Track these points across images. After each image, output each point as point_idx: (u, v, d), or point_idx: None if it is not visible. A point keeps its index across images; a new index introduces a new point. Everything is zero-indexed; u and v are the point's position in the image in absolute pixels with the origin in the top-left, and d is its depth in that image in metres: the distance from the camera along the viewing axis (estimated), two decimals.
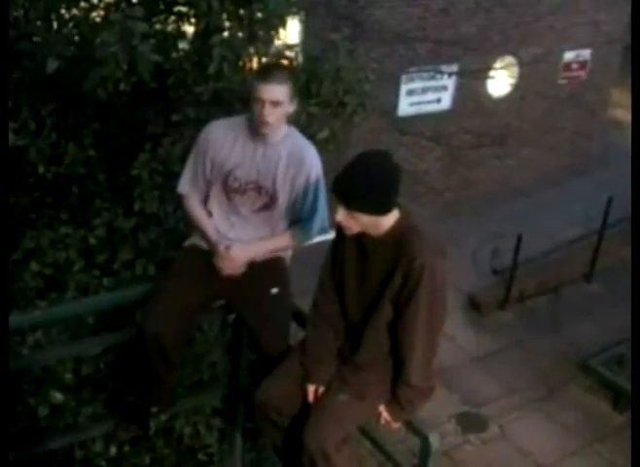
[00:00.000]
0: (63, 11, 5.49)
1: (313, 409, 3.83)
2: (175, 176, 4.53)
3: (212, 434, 5.34)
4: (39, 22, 5.57)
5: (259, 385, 4.00)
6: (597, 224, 12.44)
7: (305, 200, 4.12)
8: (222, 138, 4.11)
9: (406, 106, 13.26)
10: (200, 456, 5.41)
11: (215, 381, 5.31)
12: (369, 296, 3.66)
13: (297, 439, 3.77)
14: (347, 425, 3.80)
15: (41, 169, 5.24)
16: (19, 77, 5.16)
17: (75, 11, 5.50)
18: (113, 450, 5.02)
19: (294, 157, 4.06)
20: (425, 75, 13.15)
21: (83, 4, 5.48)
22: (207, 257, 4.18)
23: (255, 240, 4.18)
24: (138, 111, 5.39)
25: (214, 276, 4.16)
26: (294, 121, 5.28)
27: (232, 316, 4.90)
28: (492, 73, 13.86)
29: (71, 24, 5.49)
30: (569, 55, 15.22)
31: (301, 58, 5.64)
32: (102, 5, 5.46)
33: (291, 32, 8.19)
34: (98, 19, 5.40)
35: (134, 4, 5.26)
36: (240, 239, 4.17)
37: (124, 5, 5.31)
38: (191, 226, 4.43)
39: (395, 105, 13.06)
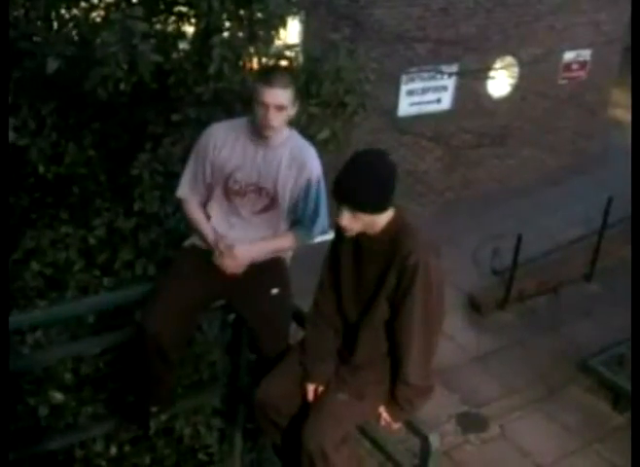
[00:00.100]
0: (63, 11, 5.49)
1: (312, 408, 3.83)
2: (175, 176, 4.53)
3: (212, 434, 5.34)
4: (39, 22, 5.57)
5: (258, 385, 4.01)
6: (597, 224, 12.44)
7: (307, 202, 4.12)
8: (222, 140, 4.11)
9: (406, 106, 13.26)
10: (201, 456, 5.41)
11: (215, 381, 5.31)
12: (365, 295, 3.67)
13: (296, 438, 3.77)
14: (346, 425, 3.81)
15: (41, 169, 5.24)
16: (20, 76, 5.16)
17: (75, 11, 5.50)
18: (113, 450, 5.03)
19: (295, 159, 4.06)
20: (425, 75, 13.15)
21: (83, 4, 5.48)
22: (207, 257, 4.18)
23: (257, 240, 4.19)
24: (138, 111, 5.39)
25: (214, 276, 4.16)
26: (294, 121, 5.30)
27: (232, 316, 4.90)
28: (492, 73, 13.88)
29: (71, 24, 5.49)
30: (569, 56, 15.23)
31: (301, 59, 5.64)
32: (102, 5, 5.46)
33: (291, 32, 8.20)
34: (98, 19, 5.40)
35: (134, 4, 5.26)
36: (240, 241, 4.17)
37: (124, 5, 5.31)
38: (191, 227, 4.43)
39: (395, 105, 13.06)
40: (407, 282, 3.49)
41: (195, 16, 5.33)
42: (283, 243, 4.25)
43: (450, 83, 13.56)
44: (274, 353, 4.19)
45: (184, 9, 5.41)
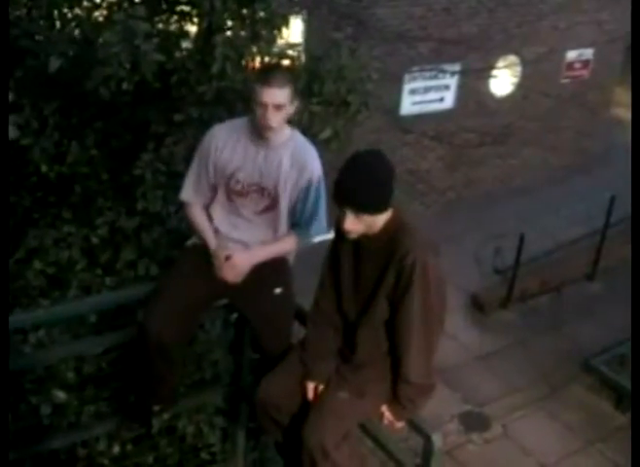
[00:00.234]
0: (66, 10, 5.49)
1: (313, 406, 3.84)
2: (178, 176, 4.53)
3: (215, 433, 5.34)
4: (42, 21, 5.58)
5: (259, 384, 4.02)
6: (600, 223, 12.44)
7: (307, 203, 4.12)
8: (223, 141, 4.11)
9: (408, 105, 13.26)
10: (203, 455, 5.41)
11: (217, 380, 5.31)
12: (364, 294, 3.68)
13: (297, 436, 3.78)
14: (347, 422, 3.81)
15: (44, 168, 5.24)
16: (22, 75, 5.16)
17: (78, 10, 5.51)
18: (116, 449, 5.03)
19: (296, 160, 4.06)
20: (428, 74, 13.16)
21: (85, 3, 5.49)
22: (210, 256, 4.18)
23: (256, 246, 4.18)
24: (141, 110, 5.39)
25: (216, 275, 4.16)
26: (296, 120, 5.30)
27: (235, 315, 4.90)
28: (495, 72, 13.88)
29: (74, 23, 5.50)
30: (572, 55, 15.22)
31: (303, 58, 5.64)
32: (105, 4, 5.46)
33: (293, 31, 8.20)
34: (101, 19, 5.40)
35: (137, 3, 5.27)
36: (243, 241, 4.17)
37: (126, 4, 5.31)
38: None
39: (397, 104, 13.07)
40: (405, 281, 3.49)
41: (197, 15, 5.33)
42: (282, 247, 4.25)
43: (453, 82, 13.56)
44: (277, 352, 4.19)
45: (186, 8, 5.41)
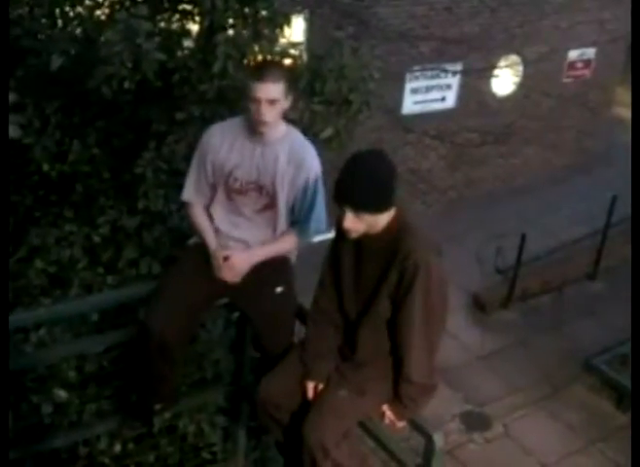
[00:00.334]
0: (68, 8, 5.50)
1: (313, 404, 3.84)
2: (179, 174, 4.53)
3: (216, 432, 5.34)
4: (43, 20, 5.58)
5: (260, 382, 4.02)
6: (601, 222, 12.44)
7: (305, 201, 4.12)
8: (220, 140, 4.12)
9: (410, 104, 13.27)
10: (204, 455, 5.40)
11: (219, 380, 5.30)
12: (365, 293, 3.67)
13: (298, 435, 3.78)
14: (347, 421, 3.81)
15: (45, 167, 5.24)
16: (24, 74, 5.16)
17: (80, 9, 5.51)
18: (117, 448, 5.02)
19: (293, 157, 4.06)
20: (429, 73, 13.17)
21: (87, 2, 5.49)
22: (211, 256, 4.20)
23: (255, 246, 4.18)
24: (143, 109, 5.39)
25: (216, 276, 4.17)
26: (298, 119, 5.29)
27: (236, 314, 4.90)
28: (496, 72, 13.88)
29: (76, 22, 5.50)
30: (573, 54, 15.22)
31: (305, 57, 5.64)
32: (107, 3, 5.46)
33: (295, 30, 8.20)
34: (103, 18, 5.40)
35: (139, 2, 5.27)
36: (244, 239, 4.17)
37: (128, 3, 5.31)
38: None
39: (399, 103, 13.07)
40: (407, 281, 3.49)
41: (199, 14, 5.33)
42: (281, 246, 4.24)
43: (454, 81, 13.56)
44: (278, 351, 4.19)
45: (188, 7, 5.41)
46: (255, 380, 4.54)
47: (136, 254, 5.22)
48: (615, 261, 12.39)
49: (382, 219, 3.55)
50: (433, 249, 3.59)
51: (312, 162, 4.10)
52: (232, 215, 4.19)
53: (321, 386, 3.87)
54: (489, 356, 10.82)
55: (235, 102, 5.29)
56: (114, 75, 4.71)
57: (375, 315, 3.66)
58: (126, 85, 4.78)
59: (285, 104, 3.99)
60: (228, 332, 5.33)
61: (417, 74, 13.05)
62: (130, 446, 5.12)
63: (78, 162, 5.31)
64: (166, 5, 5.47)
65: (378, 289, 3.60)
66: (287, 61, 5.54)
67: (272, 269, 4.20)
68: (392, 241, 3.55)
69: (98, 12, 5.48)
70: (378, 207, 3.49)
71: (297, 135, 4.18)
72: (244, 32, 5.17)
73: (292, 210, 4.17)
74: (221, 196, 4.18)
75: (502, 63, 14.06)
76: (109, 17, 5.31)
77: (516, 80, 14.48)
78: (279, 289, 4.23)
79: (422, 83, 13.23)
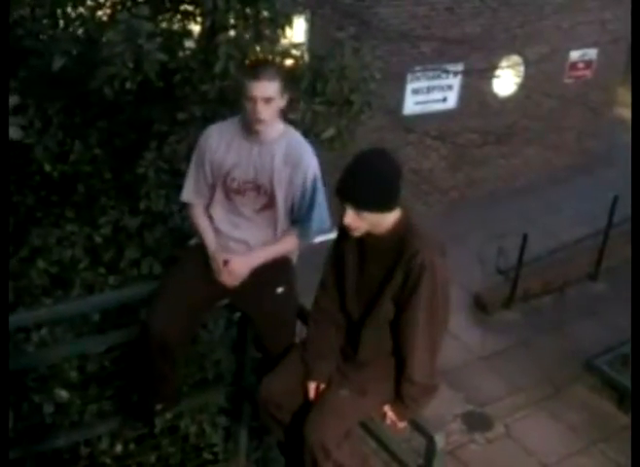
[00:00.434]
0: (69, 9, 5.50)
1: (314, 404, 3.83)
2: (181, 174, 4.53)
3: (217, 432, 5.34)
4: (45, 20, 5.58)
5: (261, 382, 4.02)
6: (602, 223, 12.43)
7: (303, 200, 4.11)
8: (217, 141, 4.13)
9: (411, 105, 13.26)
10: (206, 455, 5.40)
11: (220, 380, 5.30)
12: (369, 293, 3.66)
13: (299, 435, 3.78)
14: (348, 421, 3.81)
15: (47, 167, 5.25)
16: (26, 75, 5.17)
17: (81, 9, 5.51)
18: (118, 448, 5.03)
19: (290, 155, 4.06)
20: (430, 74, 13.16)
21: (89, 2, 5.49)
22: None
23: (255, 249, 4.17)
24: (144, 109, 5.39)
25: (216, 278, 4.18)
26: (299, 119, 5.30)
27: (238, 315, 4.90)
28: (498, 72, 13.87)
29: (77, 23, 5.50)
30: (575, 55, 15.21)
31: (306, 57, 5.64)
32: (108, 4, 5.47)
33: (297, 31, 8.19)
34: (104, 18, 5.41)
35: (140, 3, 5.28)
36: (244, 240, 4.18)
37: (130, 4, 5.31)
38: None
39: (400, 104, 13.07)
40: (413, 282, 3.49)
41: (200, 14, 5.34)
42: (282, 247, 4.24)
43: (456, 82, 13.56)
44: (280, 352, 4.19)
45: (190, 7, 5.42)
46: (256, 381, 4.54)
47: (138, 254, 5.22)
48: (616, 261, 12.38)
49: (387, 219, 3.54)
50: (439, 250, 3.58)
51: (310, 161, 4.10)
52: (232, 215, 4.19)
53: (322, 386, 3.88)
54: (491, 356, 10.82)
55: (237, 102, 5.27)
56: (115, 75, 4.71)
57: (378, 315, 3.65)
58: (128, 85, 4.78)
59: (281, 103, 4.00)
60: (229, 332, 5.33)
61: (418, 74, 13.05)
62: (132, 446, 5.12)
63: (79, 163, 5.32)
64: (168, 5, 5.47)
65: (382, 289, 3.60)
66: (288, 62, 5.55)
67: (273, 270, 4.20)
68: (397, 242, 3.54)
69: (100, 12, 5.48)
70: (380, 206, 3.47)
71: (294, 134, 4.18)
72: (246, 33, 5.17)
73: (291, 210, 4.16)
74: (220, 196, 4.18)
75: (503, 64, 14.06)
76: (111, 17, 5.31)
77: (518, 80, 14.48)
78: (280, 289, 4.23)
79: (423, 83, 13.23)
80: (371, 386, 3.77)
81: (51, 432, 4.65)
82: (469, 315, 11.51)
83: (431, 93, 13.41)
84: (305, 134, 5.27)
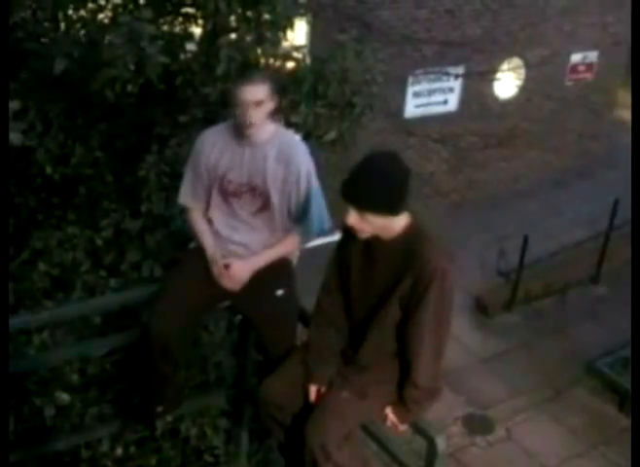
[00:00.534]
0: (71, 11, 5.49)
1: (315, 406, 3.83)
2: (182, 177, 4.53)
3: (218, 435, 5.33)
4: (46, 23, 5.58)
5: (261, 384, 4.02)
6: (604, 225, 12.42)
7: (299, 198, 4.12)
8: (211, 145, 4.15)
9: (412, 107, 13.26)
10: (207, 457, 5.39)
11: (221, 383, 5.31)
12: (375, 297, 3.65)
13: (299, 436, 3.77)
14: (349, 423, 3.80)
15: (48, 170, 5.25)
16: (27, 78, 5.17)
17: (82, 12, 5.51)
18: (119, 451, 5.02)
19: (282, 153, 4.06)
20: (432, 76, 13.16)
21: (90, 5, 5.49)
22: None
23: (254, 254, 4.18)
24: (146, 112, 5.39)
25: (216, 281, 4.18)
26: (301, 122, 5.30)
27: (239, 317, 4.90)
28: (499, 75, 13.88)
29: (79, 25, 5.50)
30: (576, 57, 15.22)
31: (308, 60, 5.64)
32: (110, 6, 5.46)
33: (298, 33, 8.19)
34: (106, 21, 5.40)
35: (142, 5, 5.27)
36: (244, 243, 4.18)
37: (131, 6, 5.31)
38: None
39: (401, 107, 13.07)
40: (422, 288, 3.47)
41: (202, 17, 5.33)
42: (281, 250, 4.24)
43: (457, 84, 13.56)
44: (281, 354, 4.19)
45: (191, 10, 5.41)
46: (258, 383, 4.54)
47: (139, 257, 5.22)
48: (618, 264, 12.36)
49: (394, 223, 3.52)
50: (447, 256, 3.57)
51: (302, 158, 4.10)
52: (231, 218, 4.20)
53: (323, 389, 3.87)
54: (492, 359, 10.81)
55: None
56: (117, 78, 4.71)
57: (384, 319, 3.64)
58: (130, 88, 4.78)
59: (270, 105, 4.01)
60: (230, 335, 5.34)
61: (420, 77, 13.05)
62: (132, 449, 5.11)
63: (81, 165, 5.32)
64: (169, 8, 5.47)
65: (389, 293, 3.58)
66: (290, 64, 5.55)
67: (273, 272, 4.21)
68: (406, 247, 3.51)
69: (101, 15, 5.47)
70: (383, 208, 3.44)
71: (285, 134, 4.20)
72: (247, 35, 5.18)
73: (289, 210, 4.17)
74: (218, 199, 4.20)
75: (504, 66, 14.07)
76: (112, 20, 5.31)
77: (519, 83, 14.48)
78: (280, 291, 4.23)
79: (425, 86, 13.23)
80: (372, 389, 3.76)
81: (51, 435, 4.65)
82: (470, 318, 11.50)
83: (432, 96, 13.41)
84: (307, 137, 5.28)
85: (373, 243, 3.59)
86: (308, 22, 11.18)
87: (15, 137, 4.10)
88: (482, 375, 10.46)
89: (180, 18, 5.47)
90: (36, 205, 5.53)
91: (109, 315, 4.99)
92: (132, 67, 4.68)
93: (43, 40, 5.45)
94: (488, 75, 13.51)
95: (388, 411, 3.81)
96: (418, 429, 3.83)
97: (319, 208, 4.13)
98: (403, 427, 3.84)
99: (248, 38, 5.16)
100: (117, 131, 5.43)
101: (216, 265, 4.15)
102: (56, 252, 5.18)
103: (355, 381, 3.77)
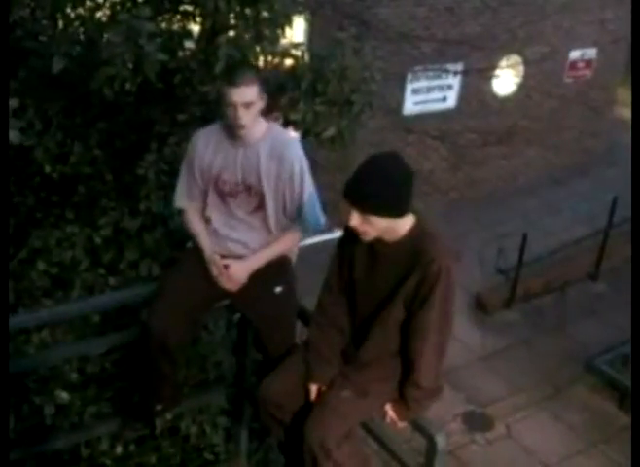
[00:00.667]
0: (69, 10, 5.48)
1: (315, 404, 3.83)
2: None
3: (218, 433, 5.34)
4: (45, 21, 5.57)
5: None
6: (603, 222, 12.43)
7: (293, 197, 4.12)
8: (204, 146, 4.15)
9: (411, 105, 13.26)
10: (206, 456, 5.40)
11: (221, 381, 5.31)
12: (378, 296, 3.63)
13: (299, 435, 3.77)
14: (349, 421, 3.79)
15: (47, 169, 5.24)
16: (26, 76, 5.16)
17: (81, 10, 5.50)
18: (119, 449, 5.03)
19: (274, 152, 4.06)
20: (431, 74, 13.16)
21: (88, 3, 5.48)
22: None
23: (252, 254, 4.18)
24: (144, 110, 5.39)
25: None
26: (300, 120, 5.29)
27: (238, 316, 4.90)
28: (498, 72, 13.87)
29: (77, 23, 5.49)
30: (575, 54, 15.22)
31: (307, 57, 5.64)
32: (108, 4, 5.46)
33: (297, 31, 8.19)
34: (104, 19, 5.40)
35: (140, 3, 5.26)
36: (242, 241, 4.18)
37: (129, 4, 5.30)
38: None
39: (400, 104, 13.07)
40: (427, 288, 3.46)
41: (200, 15, 5.33)
42: (279, 248, 4.24)
43: (456, 81, 13.55)
44: (280, 352, 4.20)
45: (190, 8, 5.41)
46: (257, 382, 4.54)
47: (137, 256, 5.22)
48: (617, 261, 12.38)
49: (399, 225, 3.49)
50: (452, 256, 3.56)
51: (294, 154, 4.10)
52: (228, 218, 4.20)
53: (324, 389, 3.87)
54: (491, 357, 10.81)
55: None
56: (115, 76, 4.70)
57: (387, 318, 3.62)
58: (128, 86, 4.78)
59: (260, 104, 4.02)
60: (230, 333, 5.34)
61: (419, 74, 13.05)
62: (132, 447, 5.12)
63: (80, 164, 5.32)
64: (168, 6, 5.46)
65: (394, 293, 3.56)
66: (288, 62, 5.55)
67: (271, 270, 4.21)
68: (411, 248, 3.48)
69: (99, 13, 5.47)
70: (386, 211, 3.40)
71: (278, 132, 4.20)
72: (246, 33, 5.17)
73: (284, 208, 4.17)
74: (215, 199, 4.20)
75: (503, 63, 14.06)
76: (110, 18, 5.30)
77: (518, 80, 14.48)
78: (278, 289, 4.23)
79: (423, 83, 13.22)
80: (372, 387, 3.75)
81: (51, 433, 4.65)
82: (469, 315, 11.50)
83: (431, 93, 13.41)
84: (306, 134, 5.27)
85: (377, 245, 3.57)
86: (307, 20, 11.13)
87: (12, 135, 4.10)
88: (482, 372, 10.47)
89: (178, 16, 5.46)
90: (35, 204, 5.52)
91: (108, 314, 4.99)
92: (131, 65, 4.67)
93: (41, 38, 5.45)
94: (487, 72, 13.50)
95: (388, 407, 3.81)
96: (418, 427, 3.82)
97: (313, 205, 4.14)
98: (401, 424, 3.84)
99: (247, 36, 5.16)
100: (115, 130, 5.42)
101: (215, 265, 4.15)
102: (55, 251, 5.18)
103: (356, 380, 3.76)
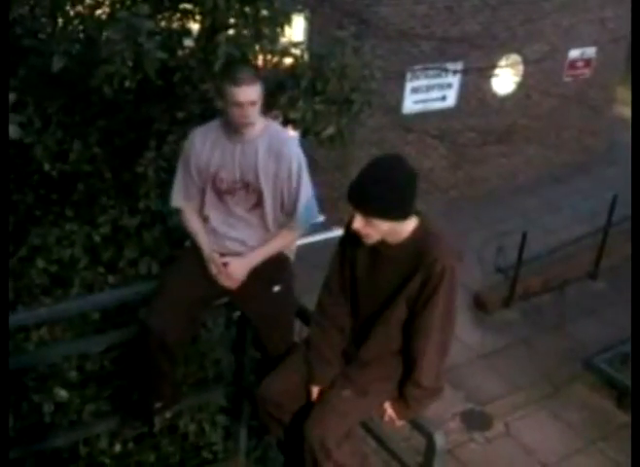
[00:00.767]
0: (68, 7, 5.48)
1: (315, 404, 3.82)
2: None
3: (217, 431, 5.34)
4: (44, 19, 5.57)
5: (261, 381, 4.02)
6: (602, 221, 12.44)
7: (291, 194, 4.12)
8: (200, 144, 4.16)
9: (410, 104, 13.26)
10: (205, 454, 5.40)
11: (220, 379, 5.31)
12: (381, 295, 3.62)
13: (299, 434, 3.77)
14: (349, 420, 3.79)
15: (46, 166, 5.24)
16: (25, 74, 5.16)
17: (80, 8, 5.50)
18: (117, 448, 5.03)
19: (272, 149, 4.07)
20: (430, 72, 13.15)
21: (88, 1, 5.47)
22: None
23: (251, 251, 4.19)
24: (144, 108, 5.38)
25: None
26: (299, 118, 5.29)
27: (237, 314, 4.90)
28: (497, 71, 13.87)
29: (76, 21, 5.49)
30: (574, 53, 15.22)
31: (306, 56, 5.63)
32: (107, 2, 5.45)
33: (296, 30, 8.19)
34: (104, 17, 5.39)
35: (140, 1, 5.25)
36: (241, 239, 4.19)
37: (129, 2, 5.30)
38: None
39: (400, 103, 13.07)
40: (431, 288, 3.46)
41: (200, 13, 5.32)
42: (277, 245, 4.24)
43: (455, 80, 13.55)
44: (279, 350, 4.21)
45: (189, 6, 5.40)
46: (256, 380, 4.54)
47: (136, 254, 5.22)
48: (616, 260, 12.39)
49: (402, 228, 3.48)
50: (455, 256, 3.55)
51: (292, 150, 4.11)
52: (227, 216, 4.21)
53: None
54: (490, 355, 10.82)
55: None
56: (115, 74, 4.70)
57: (390, 318, 3.62)
58: (127, 84, 4.77)
59: (260, 101, 4.03)
60: (229, 331, 5.34)
61: (418, 73, 13.05)
62: (131, 445, 5.12)
63: (79, 162, 5.31)
64: (167, 4, 5.45)
65: (397, 293, 3.56)
66: (288, 60, 5.54)
67: (270, 268, 4.21)
68: (415, 249, 3.48)
69: (99, 11, 5.46)
70: (389, 214, 3.39)
71: (275, 129, 4.21)
72: (245, 32, 5.17)
73: (282, 205, 4.17)
74: (213, 198, 4.20)
75: (503, 62, 14.06)
76: (110, 15, 5.29)
77: (517, 79, 14.48)
78: (277, 287, 4.24)
79: (423, 82, 13.22)
80: (372, 387, 3.75)
81: (50, 431, 4.65)
82: (469, 314, 11.50)
83: (430, 92, 13.41)
84: (305, 133, 5.27)
85: (380, 247, 3.56)
86: (306, 19, 11.17)
87: (12, 130, 4.09)
88: (481, 371, 10.47)
89: (178, 14, 5.46)
90: (34, 202, 5.52)
91: (107, 312, 4.99)
92: (130, 63, 4.67)
93: (41, 36, 5.44)
94: (487, 71, 13.50)
95: (387, 406, 3.81)
96: (417, 425, 3.82)
97: (309, 202, 4.14)
98: (400, 423, 3.83)
99: (246, 34, 5.15)
100: (115, 128, 5.42)
101: (214, 263, 4.16)
102: (55, 249, 5.18)
103: (356, 379, 3.76)
